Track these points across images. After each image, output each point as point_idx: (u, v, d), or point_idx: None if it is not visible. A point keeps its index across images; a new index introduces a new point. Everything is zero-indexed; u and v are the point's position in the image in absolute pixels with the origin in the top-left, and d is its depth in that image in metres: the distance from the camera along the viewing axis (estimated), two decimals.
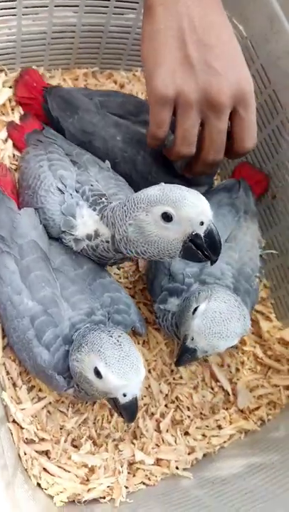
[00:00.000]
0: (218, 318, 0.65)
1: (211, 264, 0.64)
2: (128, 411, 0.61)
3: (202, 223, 0.60)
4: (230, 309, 0.66)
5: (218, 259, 0.63)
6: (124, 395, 0.59)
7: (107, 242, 0.69)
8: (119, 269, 0.95)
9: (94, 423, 0.82)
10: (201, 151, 0.73)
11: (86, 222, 0.72)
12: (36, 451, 0.75)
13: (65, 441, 0.78)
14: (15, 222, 0.74)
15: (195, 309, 0.67)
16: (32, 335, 0.67)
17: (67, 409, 0.81)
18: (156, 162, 0.84)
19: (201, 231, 0.60)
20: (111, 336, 0.61)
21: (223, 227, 0.80)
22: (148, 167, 0.84)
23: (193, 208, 0.59)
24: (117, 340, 0.61)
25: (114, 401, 0.61)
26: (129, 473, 0.78)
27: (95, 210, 0.72)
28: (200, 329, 0.65)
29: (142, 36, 0.72)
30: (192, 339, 0.66)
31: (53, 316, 0.67)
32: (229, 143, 0.74)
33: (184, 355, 0.68)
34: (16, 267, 0.71)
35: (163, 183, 0.63)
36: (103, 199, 0.73)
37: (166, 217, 0.60)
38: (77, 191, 0.75)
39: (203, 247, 0.61)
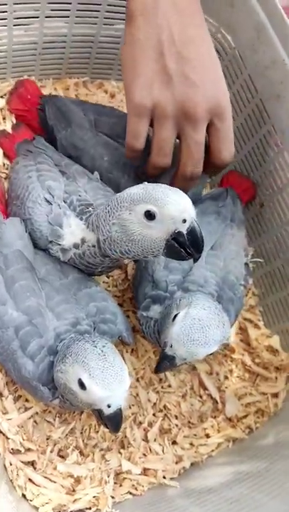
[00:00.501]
0: (197, 325, 0.65)
1: (194, 261, 0.65)
2: (113, 422, 0.61)
3: (185, 221, 0.60)
4: (209, 316, 0.66)
5: (202, 267, 0.64)
6: (109, 406, 0.59)
7: (93, 246, 0.70)
8: (108, 277, 0.95)
9: (81, 433, 0.81)
10: (179, 165, 0.74)
11: (73, 232, 0.72)
12: (22, 462, 0.75)
13: (51, 452, 0.77)
14: (0, 231, 0.74)
15: (175, 316, 0.67)
16: (16, 346, 0.67)
17: (54, 419, 0.80)
18: None
19: (184, 229, 0.61)
20: (95, 347, 0.61)
21: (209, 234, 0.81)
22: None
23: (176, 205, 0.60)
24: (102, 351, 0.60)
25: (98, 412, 0.61)
26: (115, 483, 0.78)
27: (82, 219, 0.72)
28: (178, 336, 0.65)
29: (122, 46, 0.73)
30: (171, 346, 0.66)
31: (37, 327, 0.67)
32: (207, 156, 0.74)
33: (163, 362, 0.68)
34: (1, 277, 0.70)
35: (146, 182, 0.64)
36: (90, 208, 0.74)
37: (149, 216, 0.61)
38: (65, 201, 0.75)
39: (185, 245, 0.62)
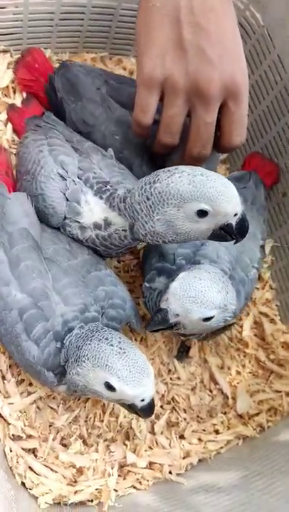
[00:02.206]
0: (196, 284, 0.63)
1: (235, 243, 0.64)
2: (147, 412, 0.61)
3: (236, 215, 0.60)
4: (212, 279, 0.63)
5: (216, 242, 0.64)
6: (142, 400, 0.59)
7: (124, 230, 0.66)
8: (119, 262, 0.91)
9: (85, 421, 0.78)
10: (187, 144, 0.70)
11: (92, 210, 0.69)
12: (23, 449, 0.72)
13: (53, 440, 0.74)
14: (4, 208, 0.70)
15: (176, 276, 0.64)
16: (20, 329, 0.63)
17: (58, 406, 0.77)
18: (152, 169, 0.79)
19: (234, 221, 0.61)
20: (112, 345, 0.59)
21: None
22: (143, 173, 0.80)
23: (229, 203, 0.59)
24: (120, 348, 0.59)
25: (129, 405, 0.60)
26: (119, 475, 0.75)
27: (101, 198, 0.68)
28: (175, 290, 0.62)
29: (138, 11, 0.68)
30: (167, 300, 0.64)
31: (43, 310, 0.64)
32: (217, 136, 0.70)
33: (155, 315, 0.65)
34: (5, 256, 0.66)
35: (184, 168, 0.60)
36: (108, 187, 0.69)
37: (202, 214, 0.59)
38: (79, 178, 0.71)
39: (232, 233, 0.62)
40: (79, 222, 0.70)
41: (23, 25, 0.91)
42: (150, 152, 0.78)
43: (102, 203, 0.68)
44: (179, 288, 0.62)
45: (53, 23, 0.93)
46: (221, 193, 0.58)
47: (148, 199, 0.61)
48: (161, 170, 0.61)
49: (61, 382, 0.65)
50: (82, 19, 0.94)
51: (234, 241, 0.63)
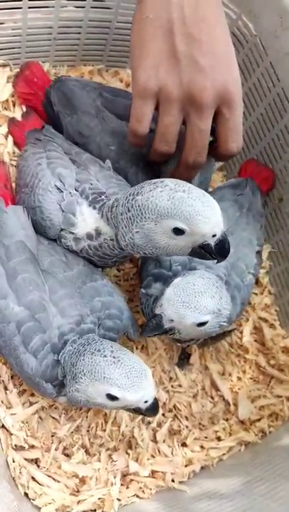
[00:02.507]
0: (190, 289, 0.63)
1: (217, 263, 0.63)
2: (152, 411, 0.62)
3: (214, 235, 0.59)
4: (206, 285, 0.64)
5: None
6: (146, 402, 0.60)
7: (112, 240, 0.67)
8: (119, 271, 0.92)
9: (87, 431, 0.78)
10: (183, 152, 0.70)
11: (86, 220, 0.69)
12: (25, 459, 0.72)
13: (56, 450, 0.74)
14: (1, 221, 0.71)
15: (171, 281, 0.65)
16: (18, 341, 0.64)
17: (60, 416, 0.77)
18: (147, 177, 0.80)
19: (212, 241, 0.59)
20: (105, 356, 0.60)
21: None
22: (138, 181, 0.81)
23: (207, 223, 0.57)
24: (114, 357, 0.59)
25: (134, 409, 0.62)
26: (122, 484, 0.75)
27: (95, 208, 0.69)
28: (170, 296, 0.63)
29: (132, 23, 0.69)
30: (161, 306, 0.64)
31: (40, 322, 0.64)
32: (214, 144, 0.71)
33: (150, 320, 0.65)
34: (2, 269, 0.67)
35: (167, 181, 0.60)
36: (103, 197, 0.70)
37: (178, 232, 0.58)
38: (76, 190, 0.72)
39: (212, 253, 0.61)
40: (73, 233, 0.71)
41: (22, 40, 0.92)
42: (146, 161, 0.79)
43: (95, 213, 0.68)
44: (173, 293, 0.63)
45: (51, 37, 0.94)
46: (198, 212, 0.56)
47: (129, 211, 0.61)
48: (147, 182, 0.61)
49: (60, 394, 0.66)
50: (80, 33, 0.96)
51: (215, 261, 0.62)
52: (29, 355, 0.63)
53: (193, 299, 0.63)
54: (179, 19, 0.65)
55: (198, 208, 0.57)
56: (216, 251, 0.60)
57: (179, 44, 0.65)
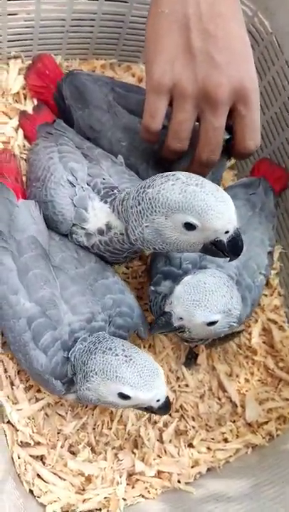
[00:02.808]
0: (201, 287, 0.62)
1: (230, 261, 0.62)
2: (164, 410, 0.62)
3: (227, 232, 0.57)
4: (217, 283, 0.63)
5: None
6: (158, 400, 0.60)
7: (122, 234, 0.66)
8: (128, 268, 0.91)
9: (93, 429, 0.77)
10: (196, 149, 0.69)
11: (97, 215, 0.68)
12: (31, 456, 0.71)
13: (61, 447, 0.73)
14: (13, 215, 0.70)
15: (181, 279, 0.64)
16: (28, 337, 0.63)
17: (66, 413, 0.76)
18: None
19: (225, 238, 0.58)
20: (117, 355, 0.59)
21: None
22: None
23: (220, 219, 0.55)
24: (125, 356, 0.59)
25: (146, 408, 0.61)
26: (127, 484, 0.74)
27: (106, 202, 0.68)
28: (180, 293, 0.62)
29: (147, 18, 0.68)
30: (171, 303, 0.63)
31: (51, 318, 0.63)
32: (231, 142, 0.70)
33: (159, 318, 0.64)
34: (14, 265, 0.66)
35: (179, 174, 0.58)
36: (115, 191, 0.69)
37: (189, 227, 0.56)
38: (88, 184, 0.71)
39: (224, 250, 0.59)
40: (85, 228, 0.70)
41: (34, 32, 0.91)
42: (157, 158, 0.78)
43: (106, 208, 0.67)
44: (183, 291, 0.62)
45: (64, 30, 0.93)
46: (211, 207, 0.54)
47: (139, 204, 0.59)
48: (159, 175, 0.60)
49: (69, 391, 0.65)
50: (93, 26, 0.94)
51: (228, 259, 0.61)
52: (39, 351, 0.63)
53: (203, 298, 0.62)
54: (195, 14, 0.64)
55: (211, 203, 0.55)
56: (229, 248, 0.58)
57: (195, 39, 0.64)
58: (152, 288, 0.73)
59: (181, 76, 0.65)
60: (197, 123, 0.70)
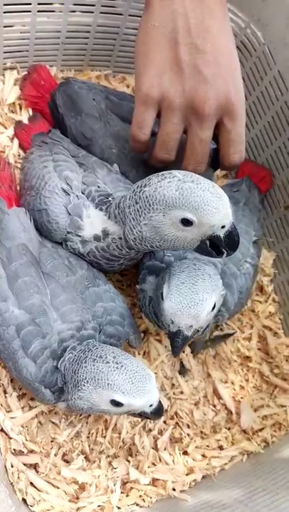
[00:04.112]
0: (183, 288, 0.62)
1: (227, 256, 0.62)
2: (157, 414, 0.62)
3: (224, 227, 0.58)
4: (191, 274, 0.63)
5: None
6: (151, 405, 0.60)
7: (120, 238, 0.66)
8: (122, 275, 0.91)
9: (87, 437, 0.77)
10: (182, 159, 0.71)
11: (93, 223, 0.69)
12: (24, 464, 0.70)
13: (55, 455, 0.73)
14: (3, 223, 0.71)
15: (161, 295, 0.64)
16: (18, 345, 0.63)
17: (60, 421, 0.76)
18: None
19: (222, 233, 0.59)
20: (108, 362, 0.59)
21: None
22: None
23: (216, 214, 0.56)
24: (116, 363, 0.59)
25: (140, 414, 0.61)
26: (122, 492, 0.73)
27: (101, 210, 0.69)
28: (172, 309, 0.62)
29: (138, 31, 0.70)
30: (172, 323, 0.63)
31: (40, 326, 0.63)
32: (217, 156, 0.71)
33: (174, 341, 0.64)
34: (3, 272, 0.67)
35: (176, 172, 0.59)
36: (110, 198, 0.70)
37: (186, 222, 0.57)
38: (82, 193, 0.72)
39: (221, 246, 0.60)
40: (80, 236, 0.70)
41: (30, 43, 0.93)
42: (146, 165, 0.79)
43: (102, 215, 0.68)
44: (173, 303, 0.62)
45: (59, 41, 0.95)
46: (207, 203, 0.56)
47: (136, 203, 0.60)
48: (155, 174, 0.61)
49: (59, 400, 0.65)
50: (88, 38, 0.96)
51: (225, 254, 0.61)
52: (28, 360, 0.63)
53: (192, 295, 0.62)
54: (183, 29, 0.65)
55: (207, 198, 0.56)
56: (226, 243, 0.59)
57: (183, 54, 0.65)
58: (138, 286, 0.74)
59: (169, 89, 0.66)
60: (184, 134, 0.71)
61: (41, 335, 0.63)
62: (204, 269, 0.65)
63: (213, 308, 0.64)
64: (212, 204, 0.56)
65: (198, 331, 0.64)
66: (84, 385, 0.59)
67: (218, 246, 0.60)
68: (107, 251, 0.69)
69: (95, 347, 0.62)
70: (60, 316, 0.65)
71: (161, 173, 0.60)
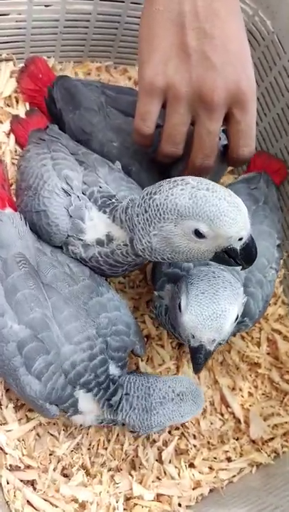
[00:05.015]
0: (203, 299, 0.57)
1: (242, 269, 0.58)
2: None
3: (241, 239, 0.53)
4: (210, 282, 0.58)
5: None
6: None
7: (126, 245, 0.61)
8: (124, 277, 0.87)
9: (88, 449, 0.73)
10: (190, 153, 0.66)
11: (96, 226, 0.64)
12: (21, 481, 0.66)
13: (54, 470, 0.69)
14: None
15: (179, 306, 0.59)
16: (19, 362, 0.59)
17: (59, 433, 0.72)
18: (151, 176, 0.76)
19: (238, 245, 0.54)
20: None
21: None
22: (141, 180, 0.76)
23: (233, 225, 0.52)
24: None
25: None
26: (124, 509, 0.69)
27: (105, 212, 0.64)
28: (192, 322, 0.57)
29: (141, 16, 0.65)
30: (193, 337, 0.58)
31: (43, 342, 0.59)
32: (226, 149, 0.67)
33: (196, 356, 0.60)
34: (0, 285, 0.62)
35: (189, 179, 0.54)
36: (113, 200, 0.65)
37: (200, 234, 0.53)
38: (84, 193, 0.67)
39: (237, 258, 0.55)
40: (82, 239, 0.66)
41: (27, 33, 0.88)
42: (150, 158, 0.74)
43: (105, 218, 0.63)
44: (193, 317, 0.57)
45: (57, 31, 0.90)
46: (224, 213, 0.51)
47: (146, 211, 0.55)
48: (166, 180, 0.56)
49: (68, 414, 0.62)
50: (87, 27, 0.91)
51: (240, 267, 0.57)
52: (32, 377, 0.59)
53: (214, 305, 0.57)
54: (191, 13, 0.61)
55: (223, 208, 0.51)
56: (242, 256, 0.55)
57: (190, 39, 0.61)
58: (156, 293, 0.70)
59: (175, 77, 0.61)
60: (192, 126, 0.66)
61: (45, 351, 0.59)
62: (224, 276, 0.60)
63: (236, 318, 0.59)
64: (229, 214, 0.51)
65: (220, 343, 0.60)
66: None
67: (233, 257, 0.55)
68: (111, 257, 0.64)
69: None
70: (64, 334, 0.61)
71: (174, 179, 0.55)
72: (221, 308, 0.57)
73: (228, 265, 0.57)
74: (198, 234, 0.53)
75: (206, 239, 0.53)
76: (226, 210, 0.51)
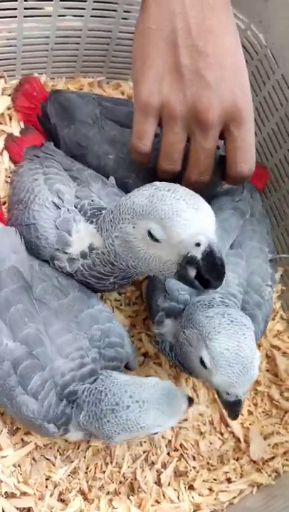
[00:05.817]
0: (230, 356, 0.55)
1: (214, 288, 0.54)
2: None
3: (198, 244, 0.48)
4: (228, 332, 0.55)
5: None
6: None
7: (103, 254, 0.60)
8: (120, 294, 0.86)
9: (86, 473, 0.71)
10: (186, 170, 0.66)
11: (82, 238, 0.63)
12: (17, 508, 0.65)
13: (51, 496, 0.68)
14: None
15: (202, 361, 0.57)
16: (14, 381, 0.57)
17: (56, 457, 0.70)
18: None
19: (198, 253, 0.49)
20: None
21: (226, 232, 0.72)
22: None
23: (187, 227, 0.47)
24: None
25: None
26: None
27: (92, 222, 0.63)
28: (226, 382, 0.55)
29: (134, 34, 0.64)
30: (228, 394, 0.57)
31: (38, 358, 0.58)
32: (224, 165, 0.66)
33: (234, 410, 0.59)
34: None
35: (158, 183, 0.52)
36: (103, 211, 0.64)
37: (153, 236, 0.49)
38: (75, 207, 0.66)
39: (201, 271, 0.51)
40: (67, 253, 0.65)
41: (17, 50, 0.88)
42: (146, 169, 0.73)
43: (92, 228, 0.62)
44: (227, 377, 0.55)
45: (48, 48, 0.90)
46: (176, 213, 0.46)
47: (112, 212, 0.54)
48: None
49: (66, 432, 0.60)
50: (78, 43, 0.91)
51: (206, 287, 0.53)
52: (28, 397, 0.57)
53: (243, 359, 0.55)
54: (183, 30, 0.60)
55: (177, 208, 0.47)
56: (206, 268, 0.49)
57: (183, 57, 0.60)
58: (156, 330, 0.68)
59: (170, 96, 0.61)
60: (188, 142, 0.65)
61: (40, 367, 0.58)
62: (239, 320, 0.57)
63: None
64: (182, 215, 0.47)
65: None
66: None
67: (199, 271, 0.51)
68: (94, 269, 0.63)
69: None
70: (57, 348, 0.59)
71: (148, 184, 0.54)
72: (250, 360, 0.55)
73: (191, 286, 0.53)
74: (151, 236, 0.49)
75: (161, 243, 0.49)
76: (179, 210, 0.47)
